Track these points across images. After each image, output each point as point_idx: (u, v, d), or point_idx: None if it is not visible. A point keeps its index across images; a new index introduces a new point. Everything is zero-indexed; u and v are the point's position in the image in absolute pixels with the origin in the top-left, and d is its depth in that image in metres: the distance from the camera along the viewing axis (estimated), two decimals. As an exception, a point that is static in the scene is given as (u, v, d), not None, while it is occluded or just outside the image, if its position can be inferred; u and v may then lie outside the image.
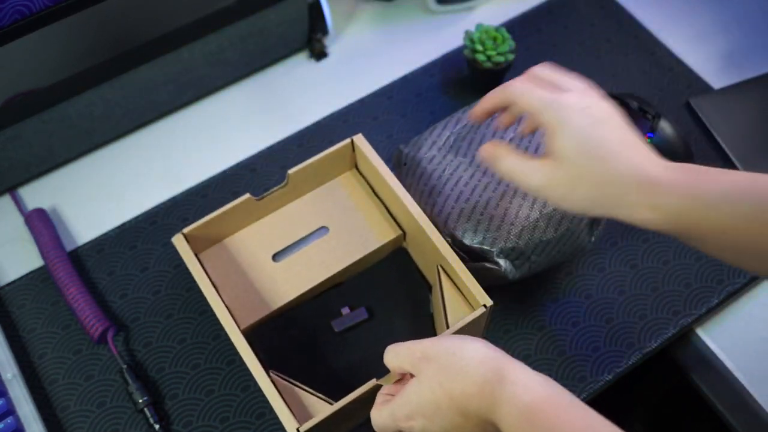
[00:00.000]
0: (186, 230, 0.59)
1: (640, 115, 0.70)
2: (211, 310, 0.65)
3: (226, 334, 0.64)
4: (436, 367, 0.45)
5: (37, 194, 0.73)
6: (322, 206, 0.65)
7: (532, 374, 0.43)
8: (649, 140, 0.69)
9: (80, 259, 0.68)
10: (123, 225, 0.70)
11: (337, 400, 0.53)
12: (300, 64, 0.81)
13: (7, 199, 0.72)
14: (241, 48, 0.75)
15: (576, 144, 0.45)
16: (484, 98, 0.52)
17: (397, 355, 0.48)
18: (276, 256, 0.63)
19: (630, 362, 0.62)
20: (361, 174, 0.66)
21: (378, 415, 0.48)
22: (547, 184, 0.47)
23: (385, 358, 0.48)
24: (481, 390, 0.42)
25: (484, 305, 0.55)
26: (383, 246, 0.63)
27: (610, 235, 0.68)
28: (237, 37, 0.74)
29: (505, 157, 0.49)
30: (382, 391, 0.50)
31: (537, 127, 0.51)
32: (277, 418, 0.60)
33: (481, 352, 0.44)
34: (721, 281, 0.65)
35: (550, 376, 0.61)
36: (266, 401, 0.61)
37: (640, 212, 0.45)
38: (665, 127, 0.69)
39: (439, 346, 0.45)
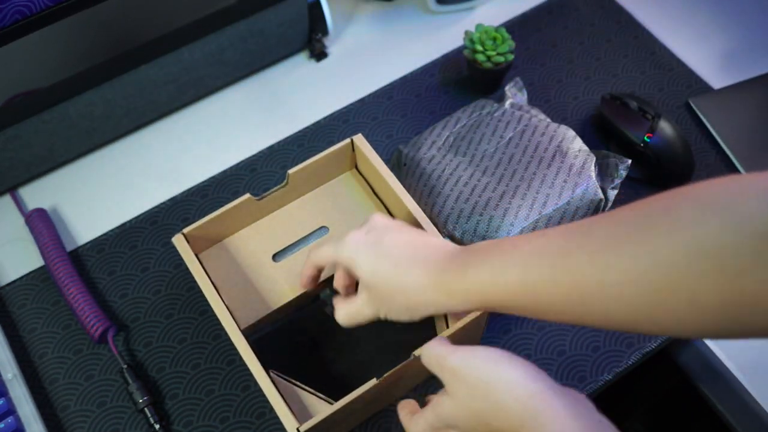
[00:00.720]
0: (186, 230, 0.59)
1: (640, 115, 0.70)
2: (211, 310, 0.65)
3: (226, 334, 0.64)
4: (467, 393, 0.42)
5: (37, 194, 0.73)
6: (322, 206, 0.65)
7: (573, 416, 0.39)
8: (648, 140, 0.69)
9: (80, 259, 0.68)
10: (123, 225, 0.70)
11: (337, 400, 0.53)
12: (300, 65, 0.81)
13: (7, 199, 0.72)
14: (241, 48, 0.75)
15: (368, 269, 0.49)
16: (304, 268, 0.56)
17: (428, 361, 0.46)
18: (276, 256, 0.63)
19: (630, 362, 0.62)
20: (361, 174, 0.66)
21: (415, 426, 0.47)
22: (366, 307, 0.50)
23: (422, 356, 0.47)
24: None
25: (484, 305, 0.55)
26: (383, 246, 0.63)
27: (610, 235, 0.68)
28: (237, 37, 0.74)
29: (338, 308, 0.53)
30: (403, 405, 0.49)
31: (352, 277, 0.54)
32: (277, 417, 0.60)
33: (518, 386, 0.40)
34: (721, 281, 0.65)
35: (550, 376, 0.61)
36: (266, 401, 0.61)
37: (444, 304, 0.46)
38: (665, 127, 0.69)
39: (471, 368, 0.42)
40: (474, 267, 0.44)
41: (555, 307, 0.40)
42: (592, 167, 0.64)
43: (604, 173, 0.65)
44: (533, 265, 0.41)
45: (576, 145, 0.65)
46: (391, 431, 0.59)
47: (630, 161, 0.65)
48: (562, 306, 0.40)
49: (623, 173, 0.65)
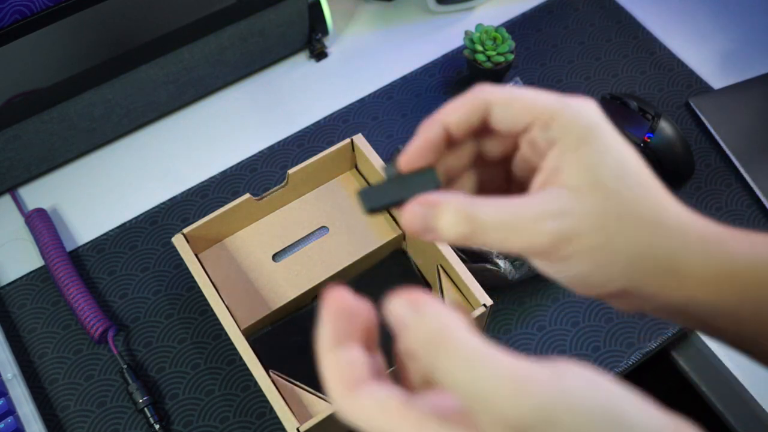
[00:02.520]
0: (186, 230, 0.59)
1: (640, 116, 0.70)
2: (212, 310, 0.65)
3: (226, 334, 0.64)
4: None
5: (37, 194, 0.73)
6: (322, 206, 0.65)
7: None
8: (648, 140, 0.69)
9: (80, 259, 0.68)
10: (123, 225, 0.70)
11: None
12: (300, 65, 0.81)
13: (7, 199, 0.72)
14: (241, 48, 0.75)
15: (617, 162, 0.28)
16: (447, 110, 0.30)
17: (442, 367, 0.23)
18: (276, 256, 0.63)
19: (630, 362, 0.62)
20: (361, 174, 0.66)
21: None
22: (568, 229, 0.27)
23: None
24: None
25: (484, 305, 0.55)
26: (383, 246, 0.63)
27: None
28: (237, 37, 0.74)
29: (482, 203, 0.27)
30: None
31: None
32: (277, 417, 0.60)
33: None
34: (721, 281, 0.65)
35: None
36: (266, 401, 0.61)
37: (698, 283, 0.28)
38: (665, 127, 0.69)
39: (551, 410, 0.21)
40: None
41: None
42: (592, 167, 0.63)
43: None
44: None
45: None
46: (391, 431, 0.59)
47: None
48: None
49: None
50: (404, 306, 0.24)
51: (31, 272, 0.68)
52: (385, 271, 0.63)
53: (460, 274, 0.57)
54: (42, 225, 0.67)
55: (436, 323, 0.23)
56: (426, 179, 0.29)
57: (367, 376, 0.23)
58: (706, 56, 0.80)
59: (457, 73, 0.79)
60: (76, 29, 0.63)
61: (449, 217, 0.27)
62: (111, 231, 0.70)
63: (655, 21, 0.83)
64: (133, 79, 0.70)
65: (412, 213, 0.28)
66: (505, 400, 0.21)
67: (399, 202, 0.29)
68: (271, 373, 0.57)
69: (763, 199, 0.69)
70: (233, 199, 0.64)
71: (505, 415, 0.21)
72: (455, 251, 0.60)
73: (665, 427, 0.23)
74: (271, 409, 0.61)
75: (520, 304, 0.65)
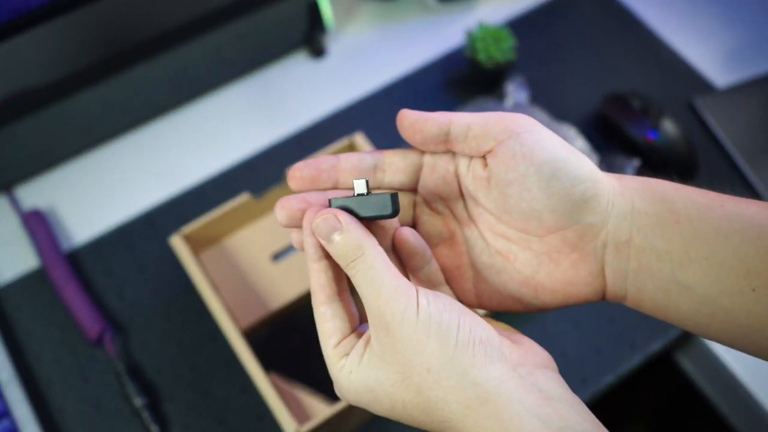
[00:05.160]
0: (184, 230, 0.59)
1: (643, 114, 0.70)
2: (210, 311, 0.64)
3: (224, 335, 0.63)
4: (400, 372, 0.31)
5: (34, 194, 0.72)
6: (322, 206, 0.64)
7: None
8: (651, 139, 0.68)
9: (78, 260, 0.68)
10: (121, 225, 0.69)
11: (337, 400, 0.53)
12: (299, 63, 0.80)
13: (3, 199, 0.72)
14: (239, 46, 0.75)
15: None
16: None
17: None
18: (275, 256, 0.62)
19: (632, 363, 0.61)
20: (361, 173, 0.65)
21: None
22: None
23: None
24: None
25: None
26: (383, 246, 0.62)
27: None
28: (235, 35, 0.73)
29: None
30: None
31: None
32: (277, 419, 0.59)
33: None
34: (725, 281, 0.65)
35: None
36: (266, 403, 0.60)
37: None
38: (668, 126, 0.69)
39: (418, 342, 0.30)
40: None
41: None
42: (595, 166, 0.63)
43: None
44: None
45: (578, 144, 0.65)
46: (391, 431, 0.59)
47: (637, 160, 0.64)
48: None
49: (630, 173, 0.64)
50: (328, 223, 0.32)
51: (28, 273, 0.67)
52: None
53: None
54: (38, 225, 0.67)
55: (354, 242, 0.31)
56: (384, 202, 0.33)
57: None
58: (709, 55, 0.80)
59: (457, 72, 0.79)
60: (73, 27, 0.63)
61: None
62: (109, 231, 0.69)
63: (657, 19, 0.82)
64: (131, 78, 0.70)
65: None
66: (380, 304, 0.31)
67: (358, 216, 0.33)
68: (270, 374, 0.56)
69: (766, 198, 0.69)
70: (232, 199, 0.63)
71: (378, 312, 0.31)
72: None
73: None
74: (271, 411, 0.60)
75: (522, 304, 0.64)
